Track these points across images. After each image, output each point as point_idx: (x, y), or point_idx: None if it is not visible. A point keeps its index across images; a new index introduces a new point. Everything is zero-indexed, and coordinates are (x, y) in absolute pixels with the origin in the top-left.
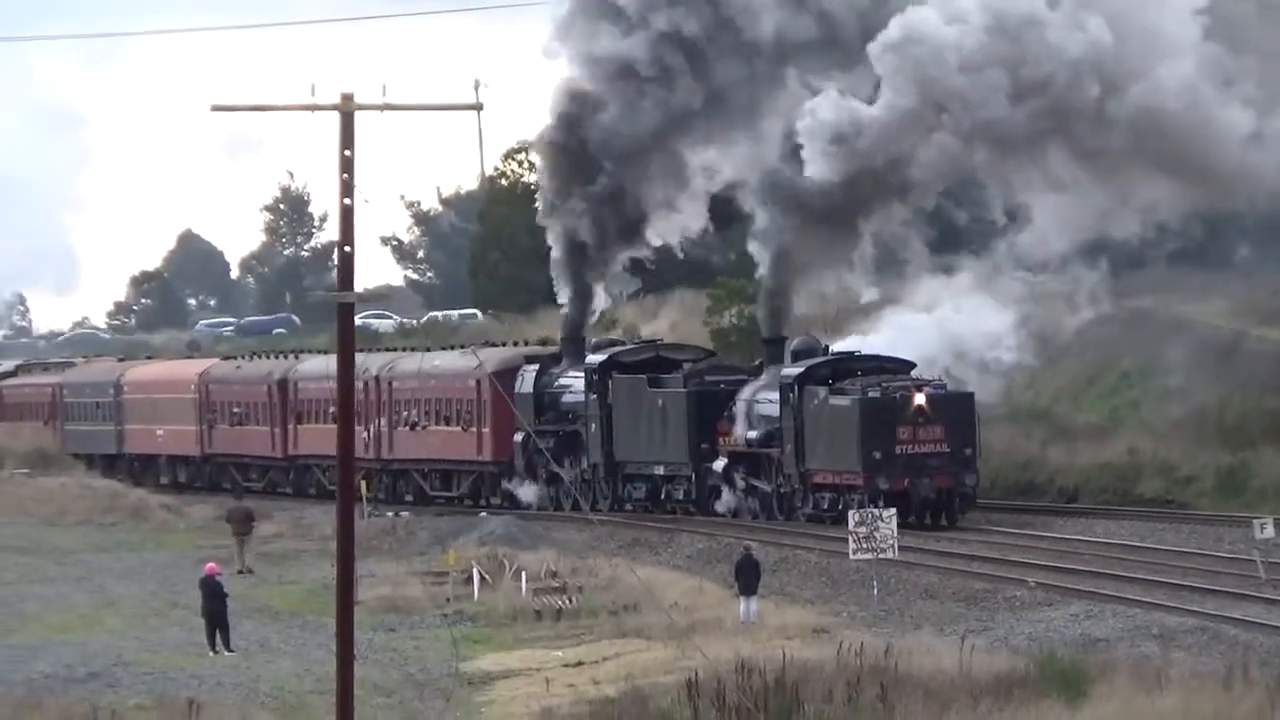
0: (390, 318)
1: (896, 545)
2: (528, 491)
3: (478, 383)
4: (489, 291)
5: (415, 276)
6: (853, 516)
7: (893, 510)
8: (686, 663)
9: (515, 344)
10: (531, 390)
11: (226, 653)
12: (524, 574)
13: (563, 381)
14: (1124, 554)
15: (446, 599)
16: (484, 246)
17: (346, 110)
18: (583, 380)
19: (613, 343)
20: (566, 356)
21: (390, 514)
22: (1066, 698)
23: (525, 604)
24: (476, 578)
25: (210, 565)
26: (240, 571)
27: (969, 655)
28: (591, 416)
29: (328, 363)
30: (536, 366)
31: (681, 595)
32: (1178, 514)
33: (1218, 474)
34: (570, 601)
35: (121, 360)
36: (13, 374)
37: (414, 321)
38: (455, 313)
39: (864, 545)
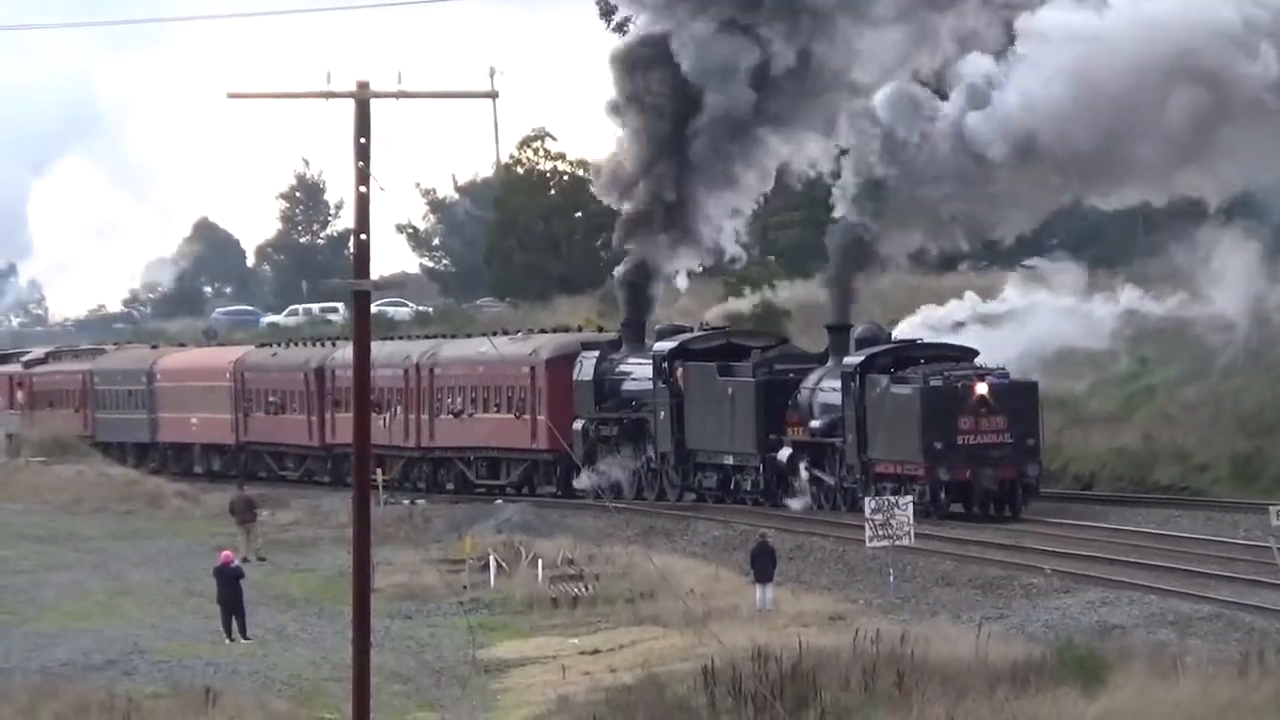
0: (406, 305)
1: (913, 532)
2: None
3: (531, 369)
4: (505, 279)
5: (431, 264)
6: (869, 503)
7: (909, 497)
8: (703, 650)
9: (569, 330)
10: (591, 377)
11: (243, 640)
12: (540, 561)
13: (624, 368)
14: (1140, 541)
15: (463, 587)
16: (500, 234)
17: (362, 98)
18: (646, 367)
19: (678, 329)
20: (627, 343)
21: (406, 502)
22: (1083, 685)
23: (541, 591)
24: (493, 565)
25: (225, 553)
26: (246, 560)
27: (985, 642)
28: (660, 404)
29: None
30: (596, 353)
31: (698, 583)
32: (1193, 501)
33: (1233, 461)
34: (587, 589)
35: (154, 347)
36: (43, 361)
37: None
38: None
39: (880, 532)
